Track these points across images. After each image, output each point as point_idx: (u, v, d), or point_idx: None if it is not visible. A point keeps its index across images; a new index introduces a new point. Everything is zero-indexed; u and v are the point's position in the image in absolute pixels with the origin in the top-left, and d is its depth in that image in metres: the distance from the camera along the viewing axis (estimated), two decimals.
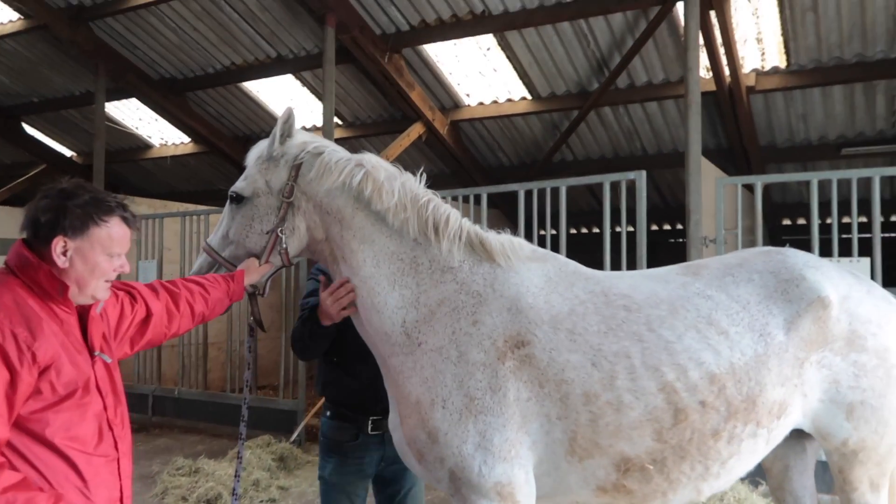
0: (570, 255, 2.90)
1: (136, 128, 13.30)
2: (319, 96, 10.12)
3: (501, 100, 10.18)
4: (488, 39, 8.94)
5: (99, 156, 10.61)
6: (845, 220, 5.59)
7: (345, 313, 2.67)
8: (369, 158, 2.68)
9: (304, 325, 2.89)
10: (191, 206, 10.73)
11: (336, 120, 10.56)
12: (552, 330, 2.44)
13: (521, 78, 9.55)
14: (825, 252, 5.34)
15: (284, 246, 2.62)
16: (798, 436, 2.79)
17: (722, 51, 8.01)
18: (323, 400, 3.23)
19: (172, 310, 2.40)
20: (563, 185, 6.02)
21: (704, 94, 7.65)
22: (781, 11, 7.57)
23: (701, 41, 7.32)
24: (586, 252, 5.27)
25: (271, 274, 2.71)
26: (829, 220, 5.47)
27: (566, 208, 6.02)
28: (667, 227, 13.13)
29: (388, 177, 2.63)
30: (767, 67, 8.53)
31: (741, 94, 8.52)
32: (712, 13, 7.49)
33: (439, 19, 8.72)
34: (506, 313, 2.47)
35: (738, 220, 5.70)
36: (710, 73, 8.39)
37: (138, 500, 5.56)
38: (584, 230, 13.58)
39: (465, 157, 11.38)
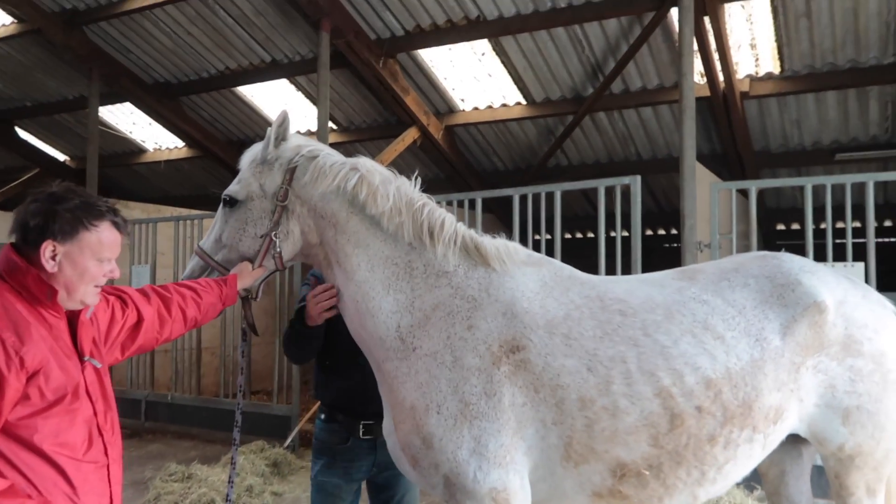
0: (564, 260, 2.88)
1: (130, 132, 13.25)
2: (314, 101, 10.10)
3: (496, 105, 10.18)
4: (483, 44, 8.95)
5: (92, 160, 10.56)
6: (839, 224, 5.60)
7: (325, 315, 2.73)
8: (364, 162, 2.67)
9: (291, 326, 2.94)
10: (184, 211, 10.68)
11: (331, 125, 10.55)
12: (547, 335, 2.43)
13: (515, 83, 9.56)
14: (819, 257, 5.33)
15: (278, 250, 2.61)
16: (794, 441, 2.78)
17: (716, 56, 8.04)
18: (318, 405, 3.23)
19: (164, 315, 2.37)
20: (557, 189, 6.02)
21: (699, 100, 7.66)
22: (775, 17, 7.60)
23: (695, 47, 7.33)
24: (581, 257, 5.26)
25: (264, 278, 2.70)
26: (823, 225, 5.48)
27: (561, 213, 6.02)
28: (661, 231, 13.14)
29: (382, 181, 2.62)
30: (761, 73, 8.56)
31: (735, 100, 8.55)
32: (706, 19, 7.51)
33: (434, 24, 8.73)
34: (501, 318, 2.46)
35: (732, 225, 5.71)
36: (705, 79, 8.41)
37: None
38: (579, 235, 13.59)
39: (460, 162, 11.38)
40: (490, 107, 10.25)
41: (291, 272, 7.92)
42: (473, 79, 9.76)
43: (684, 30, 6.74)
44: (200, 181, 14.25)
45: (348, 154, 2.75)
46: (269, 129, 2.69)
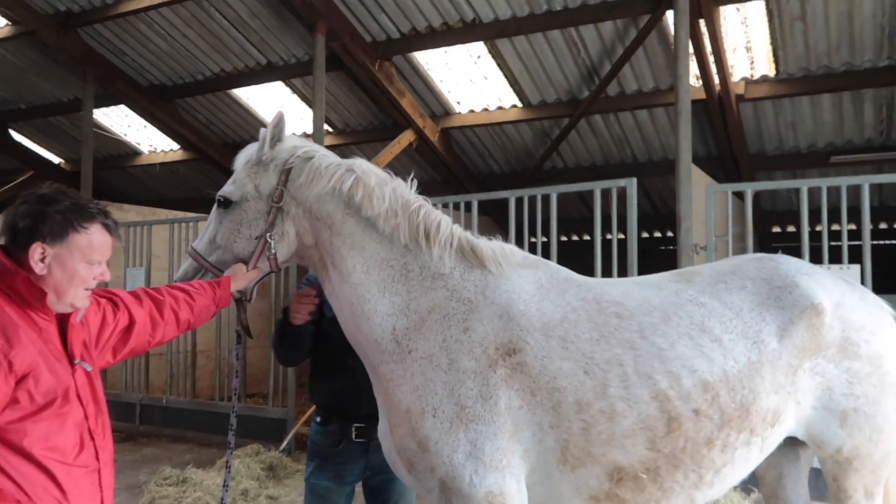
0: (560, 263, 2.87)
1: (125, 134, 13.22)
2: (309, 103, 10.08)
3: (492, 107, 10.18)
4: (479, 47, 8.95)
5: (87, 163, 10.53)
6: (835, 227, 5.61)
7: (305, 317, 2.85)
8: (360, 164, 2.65)
9: (277, 324, 3.01)
10: (179, 214, 10.66)
11: (326, 127, 10.54)
12: (544, 337, 2.41)
13: (511, 86, 9.56)
14: (815, 259, 5.34)
15: (273, 251, 2.59)
16: (792, 443, 2.77)
17: (711, 59, 8.04)
18: (313, 408, 3.23)
19: (156, 317, 2.35)
20: (553, 192, 6.01)
21: (694, 102, 7.67)
22: (770, 20, 7.61)
23: (691, 50, 7.34)
24: (577, 259, 5.25)
25: (259, 280, 2.67)
26: (818, 228, 5.49)
27: (557, 215, 6.01)
28: (657, 234, 13.15)
29: (378, 182, 2.60)
30: (757, 76, 8.57)
31: (731, 103, 8.56)
32: (702, 22, 7.52)
33: (430, 27, 8.72)
34: (497, 320, 2.44)
35: (728, 228, 5.71)
36: (700, 82, 8.42)
37: None
38: (575, 237, 13.59)
39: (456, 165, 11.37)
40: (486, 109, 10.25)
41: (286, 274, 7.89)
42: (469, 81, 9.76)
43: (680, 32, 6.75)
44: (195, 184, 14.21)
45: (344, 157, 2.73)
46: (264, 129, 2.68)
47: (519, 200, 6.22)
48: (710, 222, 5.86)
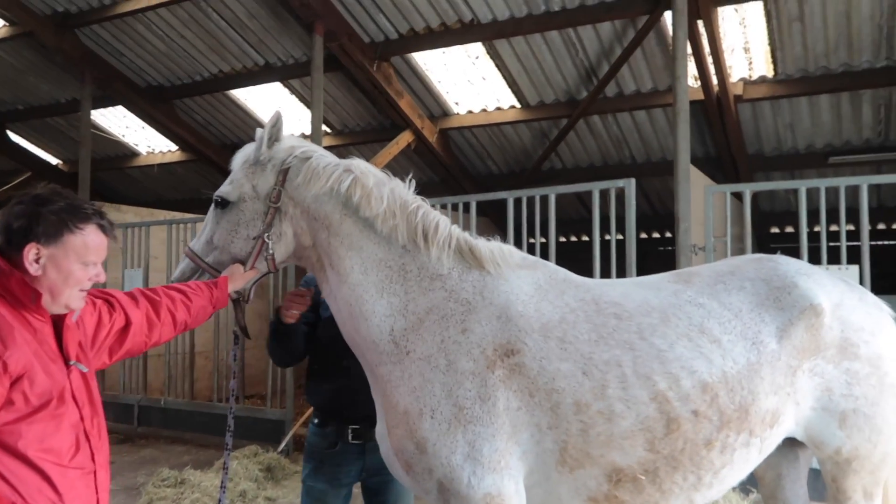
0: (559, 264, 2.87)
1: (123, 135, 13.20)
2: (308, 104, 10.08)
3: (490, 108, 10.18)
4: (477, 48, 8.94)
5: (85, 164, 10.51)
6: (833, 227, 5.61)
7: (294, 315, 2.87)
8: (358, 164, 2.64)
9: (269, 324, 3.01)
10: (178, 215, 10.63)
11: (324, 128, 10.53)
12: (542, 338, 2.41)
13: (509, 86, 9.56)
14: (814, 260, 5.33)
15: (271, 252, 2.58)
16: (791, 444, 2.76)
17: (710, 60, 8.04)
18: (311, 409, 3.23)
19: (153, 318, 2.33)
20: (552, 193, 6.00)
21: (692, 103, 7.67)
22: (768, 21, 7.61)
23: (689, 50, 7.35)
24: (575, 260, 5.24)
25: (256, 280, 2.66)
26: (817, 228, 5.48)
27: (555, 216, 6.00)
28: (656, 235, 13.14)
29: (376, 183, 2.59)
30: (755, 76, 8.57)
31: (729, 103, 8.56)
32: (700, 23, 7.52)
33: (428, 27, 8.72)
34: (495, 321, 2.44)
35: (727, 228, 5.70)
36: (699, 82, 8.42)
37: None
38: (574, 238, 13.58)
39: (454, 166, 11.37)
40: (484, 110, 10.24)
41: (284, 274, 7.88)
42: (467, 82, 9.75)
43: (678, 33, 6.75)
44: (194, 185, 14.19)
45: (342, 157, 2.73)
46: (260, 129, 2.67)
47: (517, 201, 6.21)
48: (709, 223, 5.85)
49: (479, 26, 8.45)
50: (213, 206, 2.66)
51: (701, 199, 6.26)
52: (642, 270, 4.43)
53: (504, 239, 2.78)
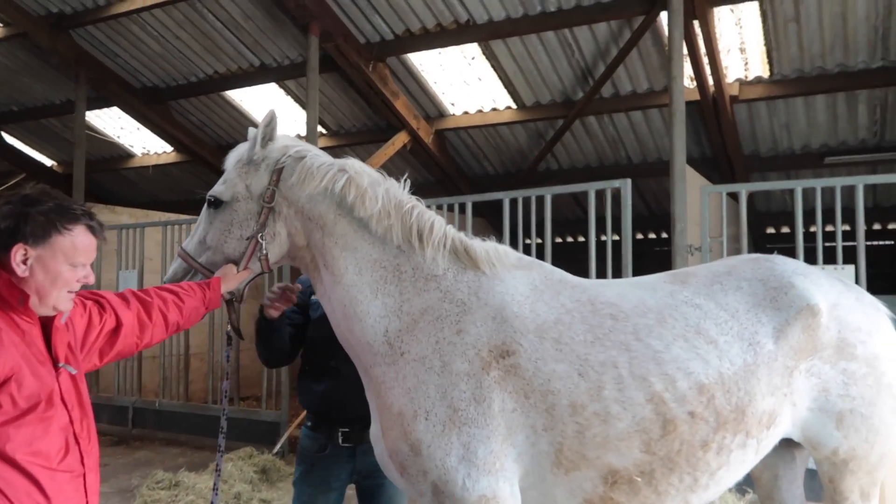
0: (555, 264, 2.85)
1: (118, 137, 13.16)
2: (303, 105, 10.06)
3: (486, 109, 10.18)
4: (473, 48, 8.94)
5: (79, 165, 10.47)
6: (829, 228, 5.61)
7: (272, 312, 2.80)
8: (352, 164, 2.62)
9: (256, 320, 2.95)
10: (173, 216, 10.60)
11: (320, 129, 10.51)
12: (538, 339, 2.39)
13: (505, 87, 9.55)
14: (810, 260, 5.29)
15: (264, 252, 2.55)
16: (787, 445, 2.75)
17: (706, 60, 8.06)
18: (305, 411, 3.21)
19: (144, 320, 2.30)
20: (548, 193, 5.99)
21: (688, 104, 7.67)
22: (764, 22, 7.62)
23: (685, 51, 7.35)
24: (572, 261, 5.23)
25: (249, 280, 2.64)
26: (813, 229, 5.48)
27: (551, 217, 5.99)
28: (652, 235, 13.16)
29: (371, 183, 2.57)
30: (751, 77, 8.59)
31: (725, 104, 8.57)
32: (696, 23, 7.53)
33: (423, 28, 8.71)
34: (490, 322, 2.42)
35: (723, 229, 5.70)
36: (694, 83, 8.43)
37: None
38: (570, 239, 13.59)
39: (450, 166, 11.36)
40: (480, 111, 10.24)
41: (279, 275, 7.85)
42: (463, 83, 9.75)
43: (674, 34, 6.75)
44: (189, 186, 14.14)
45: (337, 158, 2.70)
46: (253, 129, 2.64)
47: (513, 202, 6.20)
48: (705, 223, 5.85)
49: (474, 27, 8.45)
50: (206, 205, 2.63)
51: (697, 200, 6.26)
52: (638, 271, 4.41)
53: (500, 240, 2.76)
